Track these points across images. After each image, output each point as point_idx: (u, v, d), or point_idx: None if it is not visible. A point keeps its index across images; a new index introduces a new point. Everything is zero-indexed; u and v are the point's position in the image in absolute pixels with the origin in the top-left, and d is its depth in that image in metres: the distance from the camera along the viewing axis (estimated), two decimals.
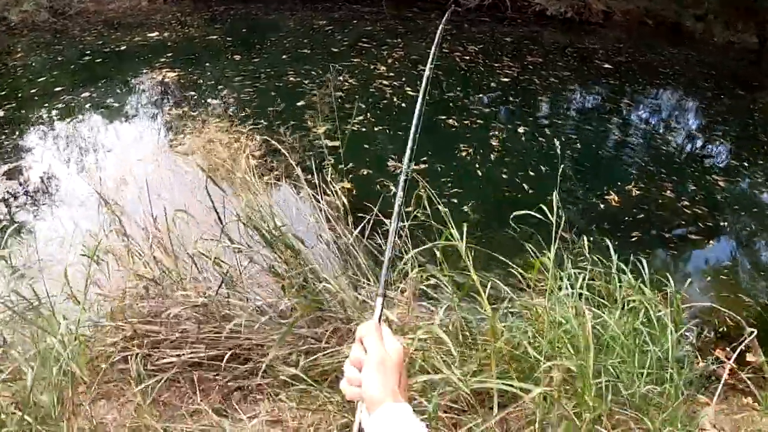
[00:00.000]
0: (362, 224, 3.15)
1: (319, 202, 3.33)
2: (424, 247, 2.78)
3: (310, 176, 5.71)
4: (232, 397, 2.66)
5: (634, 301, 2.86)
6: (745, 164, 7.35)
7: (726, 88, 9.93)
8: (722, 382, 3.01)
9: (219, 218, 2.84)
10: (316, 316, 2.79)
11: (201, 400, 2.58)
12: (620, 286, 2.92)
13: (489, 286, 2.76)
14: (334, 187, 3.40)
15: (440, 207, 3.03)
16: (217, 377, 2.67)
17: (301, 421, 2.48)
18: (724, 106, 9.33)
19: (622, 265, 3.20)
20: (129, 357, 2.60)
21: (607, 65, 10.26)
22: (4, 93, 7.67)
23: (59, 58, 9.07)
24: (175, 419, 2.49)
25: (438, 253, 2.77)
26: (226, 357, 2.64)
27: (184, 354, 2.69)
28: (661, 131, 8.41)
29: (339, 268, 3.04)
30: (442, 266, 2.84)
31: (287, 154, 4.69)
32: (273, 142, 4.81)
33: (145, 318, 2.81)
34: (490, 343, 2.50)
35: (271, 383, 2.64)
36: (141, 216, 3.14)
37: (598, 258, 3.36)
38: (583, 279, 2.94)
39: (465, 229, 2.83)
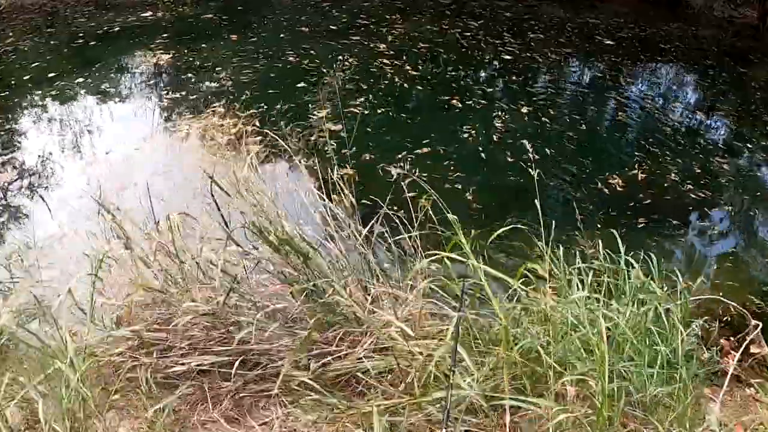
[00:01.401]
0: (371, 223, 3.07)
1: (324, 195, 3.25)
2: (432, 258, 2.70)
3: (312, 163, 5.70)
4: (243, 404, 2.64)
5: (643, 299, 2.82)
6: (748, 145, 7.31)
7: (726, 65, 9.82)
8: (728, 376, 2.99)
9: (225, 222, 2.80)
10: (326, 321, 2.76)
11: (212, 409, 2.56)
12: (630, 284, 2.87)
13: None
14: (339, 183, 3.30)
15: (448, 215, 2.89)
16: (227, 384, 2.65)
17: (315, 429, 2.47)
18: (725, 83, 9.23)
19: (632, 261, 3.16)
20: (138, 366, 2.58)
21: (608, 41, 10.11)
22: None
23: (52, 42, 8.89)
24: (187, 429, 2.48)
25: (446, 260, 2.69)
26: (236, 364, 2.61)
27: (193, 362, 2.67)
28: (663, 109, 8.30)
29: (348, 270, 3.00)
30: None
31: (288, 143, 4.63)
32: (272, 133, 4.72)
33: (152, 325, 2.78)
34: (503, 351, 2.49)
35: (283, 389, 2.61)
36: (141, 216, 3.08)
37: (606, 252, 3.30)
38: (593, 276, 2.90)
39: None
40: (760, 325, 3.62)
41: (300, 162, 5.27)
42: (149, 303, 2.81)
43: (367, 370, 2.52)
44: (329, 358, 2.67)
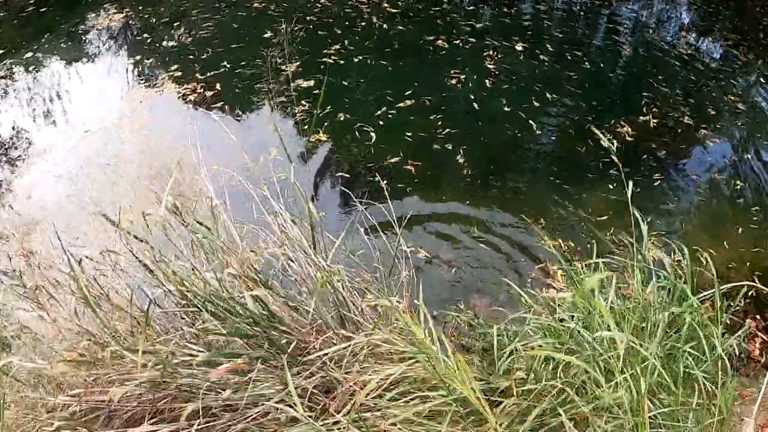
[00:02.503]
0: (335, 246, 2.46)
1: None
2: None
3: (280, 130, 5.09)
4: None
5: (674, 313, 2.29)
6: (761, 79, 6.65)
7: None
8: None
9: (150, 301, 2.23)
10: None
11: None
12: (659, 297, 2.34)
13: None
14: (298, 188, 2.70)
15: None
16: None
17: None
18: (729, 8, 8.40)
19: (659, 254, 2.62)
20: None
21: None
22: None
23: (1, 14, 8.00)
24: None
25: None
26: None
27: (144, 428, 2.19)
28: (668, 37, 7.55)
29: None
30: None
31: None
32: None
33: (89, 389, 2.29)
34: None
35: None
36: (61, 255, 2.52)
37: (626, 239, 2.75)
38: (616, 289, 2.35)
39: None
40: None
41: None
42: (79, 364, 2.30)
43: None
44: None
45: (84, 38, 7.12)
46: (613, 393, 1.84)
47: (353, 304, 2.37)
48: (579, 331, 2.03)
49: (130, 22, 7.30)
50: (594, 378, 1.88)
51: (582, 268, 2.58)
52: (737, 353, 3.13)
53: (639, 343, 1.93)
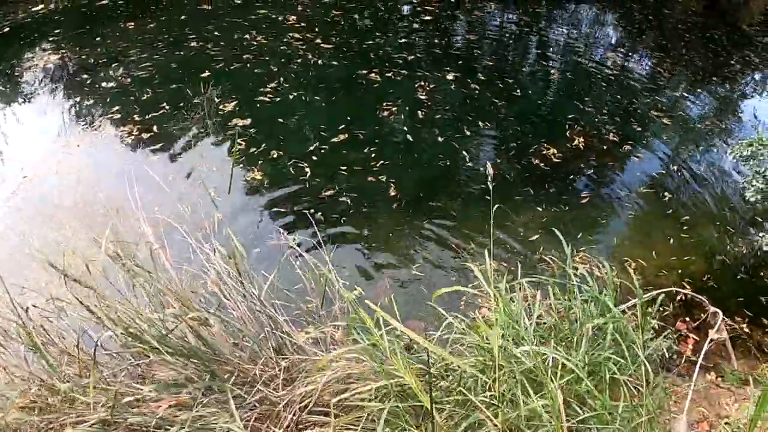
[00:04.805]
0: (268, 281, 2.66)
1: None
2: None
3: (215, 169, 5.24)
4: None
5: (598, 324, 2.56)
6: (684, 93, 7.24)
7: (648, 5, 9.66)
8: (695, 374, 2.83)
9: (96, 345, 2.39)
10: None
11: None
12: (582, 307, 2.62)
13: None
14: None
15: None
16: None
17: None
18: (652, 27, 9.08)
19: (582, 270, 2.90)
20: None
21: None
22: None
23: None
24: None
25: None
26: None
27: None
28: (592, 58, 8.10)
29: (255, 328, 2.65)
30: None
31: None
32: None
33: None
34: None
35: None
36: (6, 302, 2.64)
37: (551, 258, 3.04)
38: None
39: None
40: (720, 312, 3.53)
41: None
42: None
43: None
44: None
45: (21, 78, 7.13)
46: (539, 401, 2.08)
47: (288, 335, 2.58)
48: (505, 348, 2.28)
49: (68, 62, 7.35)
50: (512, 390, 2.13)
51: (506, 289, 2.82)
52: (667, 355, 3.40)
53: (564, 355, 2.19)
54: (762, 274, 4.52)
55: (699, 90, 7.39)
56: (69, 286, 2.40)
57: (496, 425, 2.06)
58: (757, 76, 8.09)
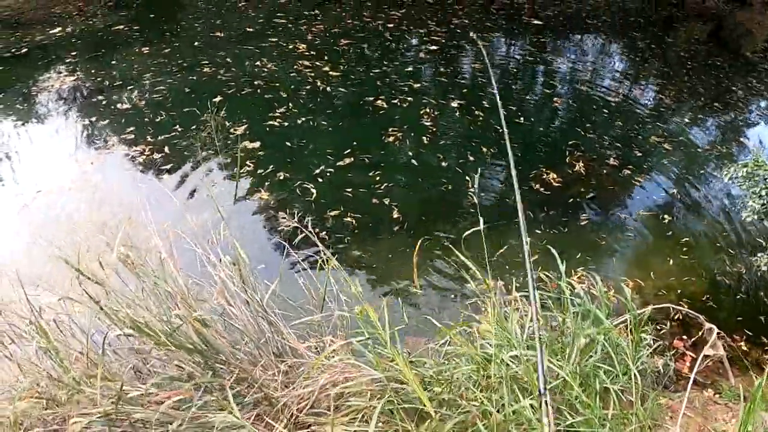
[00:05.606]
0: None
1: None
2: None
3: (223, 189, 5.38)
4: None
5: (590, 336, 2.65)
6: (686, 120, 7.38)
7: (652, 34, 9.87)
8: (689, 386, 2.89)
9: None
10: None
11: None
12: (575, 317, 2.70)
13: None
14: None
15: None
16: None
17: None
18: (656, 56, 9.28)
19: (575, 283, 3.00)
20: None
21: (536, 21, 10.00)
22: None
23: None
24: None
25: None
26: None
27: None
28: (595, 86, 8.26)
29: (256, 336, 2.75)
30: None
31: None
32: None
33: (47, 428, 2.49)
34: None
35: None
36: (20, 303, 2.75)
37: (546, 275, 3.12)
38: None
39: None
40: (714, 328, 3.58)
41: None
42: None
43: None
44: None
45: (37, 98, 7.34)
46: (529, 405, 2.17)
47: (287, 341, 2.67)
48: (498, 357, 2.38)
49: (83, 84, 7.57)
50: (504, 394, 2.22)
51: (502, 304, 2.91)
52: (663, 372, 3.44)
53: (557, 364, 2.28)
54: (761, 294, 4.60)
55: (701, 116, 7.54)
56: (80, 280, 2.50)
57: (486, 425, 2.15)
58: (763, 104, 8.25)
